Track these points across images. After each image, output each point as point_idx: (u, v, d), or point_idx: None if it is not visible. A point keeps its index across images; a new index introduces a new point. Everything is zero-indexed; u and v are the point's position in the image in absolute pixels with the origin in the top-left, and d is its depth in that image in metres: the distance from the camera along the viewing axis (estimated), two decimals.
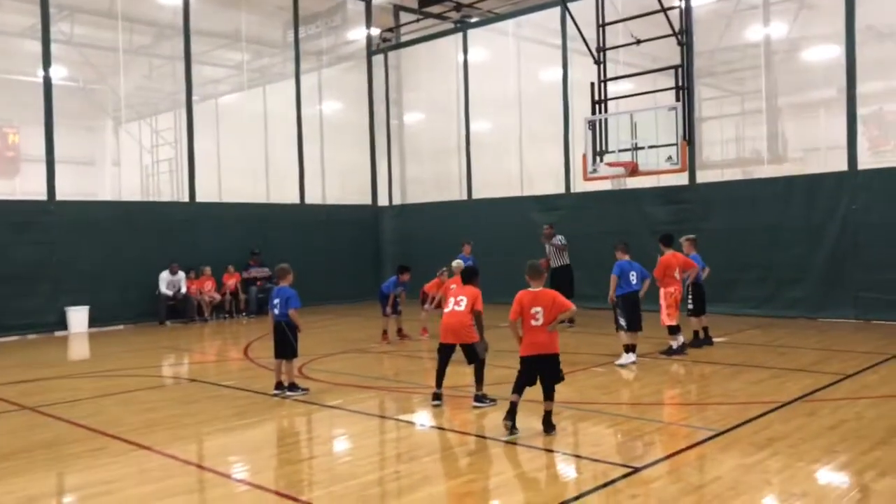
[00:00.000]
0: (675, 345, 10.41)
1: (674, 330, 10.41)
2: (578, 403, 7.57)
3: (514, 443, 6.27)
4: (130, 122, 20.76)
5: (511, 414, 6.51)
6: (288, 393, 8.44)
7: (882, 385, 8.24)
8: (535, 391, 6.58)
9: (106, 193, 20.15)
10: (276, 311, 8.53)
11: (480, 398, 7.62)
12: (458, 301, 7.60)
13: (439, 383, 7.72)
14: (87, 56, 18.12)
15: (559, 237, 14.66)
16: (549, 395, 6.57)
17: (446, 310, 7.73)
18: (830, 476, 5.34)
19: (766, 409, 7.18)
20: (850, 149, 13.72)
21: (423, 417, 7.46)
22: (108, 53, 17.96)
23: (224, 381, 9.57)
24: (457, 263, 11.71)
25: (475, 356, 7.61)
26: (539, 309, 6.53)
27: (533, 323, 6.54)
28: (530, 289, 6.69)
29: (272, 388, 8.56)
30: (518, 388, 6.61)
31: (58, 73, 16.62)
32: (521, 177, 19.06)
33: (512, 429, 6.43)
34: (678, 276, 10.51)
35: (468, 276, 7.90)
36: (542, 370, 6.59)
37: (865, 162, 13.85)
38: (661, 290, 10.46)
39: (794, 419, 6.82)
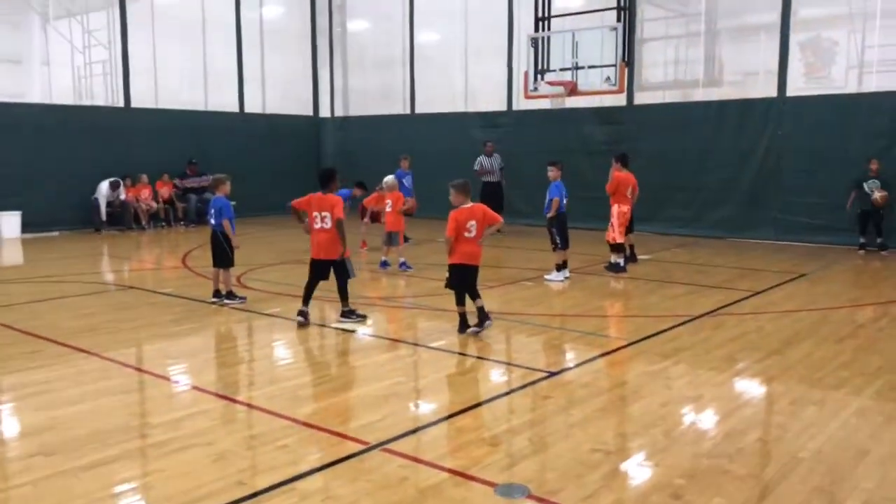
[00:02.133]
0: (621, 261, 10.89)
1: (619, 248, 10.88)
2: (505, 314, 7.98)
3: (443, 349, 6.67)
4: (59, 20, 19.71)
5: (465, 325, 7.08)
6: (226, 301, 8.64)
7: (786, 301, 8.89)
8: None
9: (35, 95, 19.27)
10: (213, 221, 8.63)
11: (348, 313, 7.68)
12: (323, 218, 7.45)
13: (306, 301, 7.67)
14: None
15: (497, 156, 15.25)
16: (477, 294, 7.10)
17: (315, 226, 7.51)
18: (725, 381, 5.87)
19: (678, 322, 7.72)
20: (780, 75, 14.15)
21: (356, 325, 7.77)
22: None
23: (162, 289, 9.70)
24: (389, 179, 11.82)
25: (345, 272, 7.61)
26: (473, 222, 6.95)
27: (466, 235, 6.95)
28: (463, 206, 6.98)
29: (210, 296, 8.75)
30: (460, 299, 7.10)
31: None
32: (466, 92, 19.03)
33: (475, 330, 7.01)
34: (629, 195, 10.90)
35: (325, 180, 7.56)
36: (470, 279, 7.06)
37: (800, 88, 14.27)
38: (615, 208, 10.80)
39: (701, 331, 7.37)
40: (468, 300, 7.11)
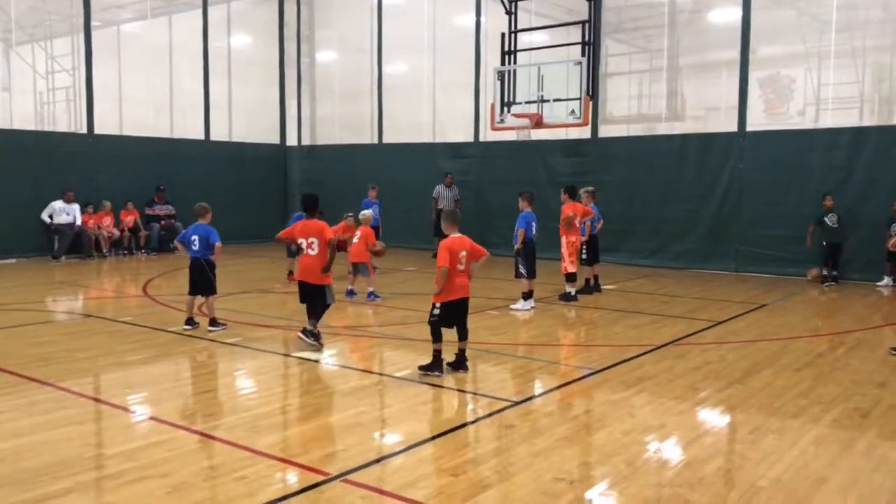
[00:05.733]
0: (572, 291, 11.00)
1: (572, 278, 10.98)
2: (470, 343, 7.90)
3: (408, 379, 6.60)
4: (22, 45, 19.55)
5: (440, 364, 6.72)
6: (209, 328, 8.54)
7: (747, 331, 9.01)
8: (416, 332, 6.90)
9: None
10: (195, 248, 8.54)
11: (309, 333, 7.68)
12: (310, 244, 7.65)
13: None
14: None
15: (455, 188, 16.38)
16: (467, 334, 6.88)
17: (310, 252, 7.69)
18: (687, 410, 5.90)
19: (641, 351, 7.77)
20: (740, 110, 14.49)
21: (319, 354, 7.68)
22: None
23: (121, 317, 9.50)
24: (366, 213, 11.77)
25: (324, 299, 7.77)
26: (464, 253, 6.75)
27: (459, 267, 6.71)
28: (452, 236, 6.82)
29: (176, 324, 8.64)
30: (440, 336, 6.74)
31: None
32: (434, 123, 19.17)
33: (448, 369, 6.73)
34: (578, 225, 11.04)
35: (308, 206, 7.85)
36: (463, 312, 6.84)
37: (760, 123, 14.62)
38: (563, 239, 10.93)
39: (664, 360, 7.42)
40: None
